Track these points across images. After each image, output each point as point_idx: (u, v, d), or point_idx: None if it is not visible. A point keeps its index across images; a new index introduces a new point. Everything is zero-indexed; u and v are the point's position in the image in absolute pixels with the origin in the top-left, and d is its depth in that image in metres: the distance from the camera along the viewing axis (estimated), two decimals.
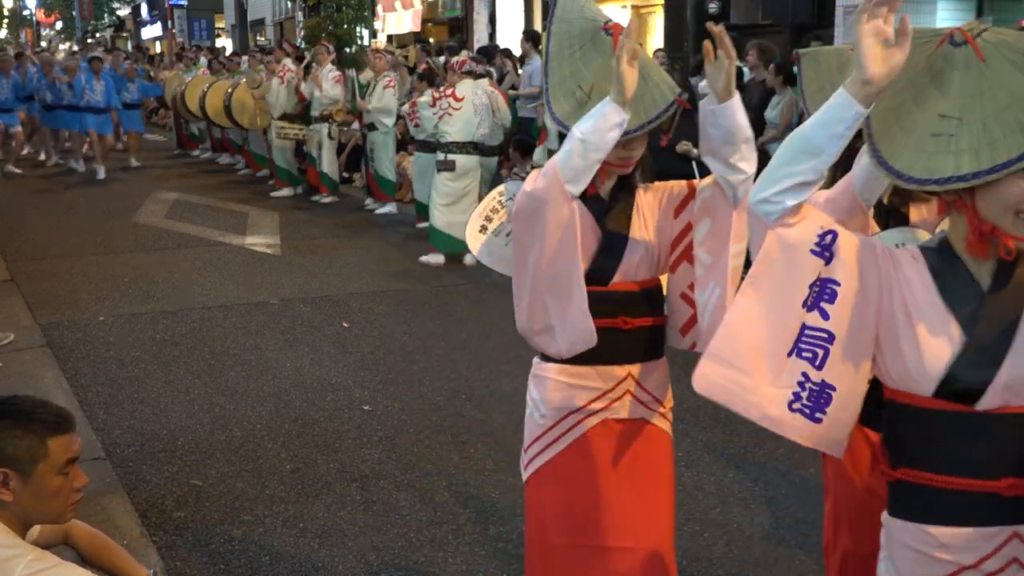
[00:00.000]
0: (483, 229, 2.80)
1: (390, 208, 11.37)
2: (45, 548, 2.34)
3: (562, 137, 2.54)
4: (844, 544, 2.78)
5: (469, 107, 8.67)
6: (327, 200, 12.11)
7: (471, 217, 2.82)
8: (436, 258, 8.80)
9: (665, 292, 2.71)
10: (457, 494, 4.31)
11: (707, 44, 2.32)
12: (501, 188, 2.84)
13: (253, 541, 3.89)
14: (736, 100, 2.33)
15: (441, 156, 8.76)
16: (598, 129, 2.33)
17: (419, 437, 4.93)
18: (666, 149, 3.28)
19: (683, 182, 2.65)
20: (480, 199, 8.96)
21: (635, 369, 2.62)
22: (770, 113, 8.39)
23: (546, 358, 2.64)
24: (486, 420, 5.16)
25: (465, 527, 4.02)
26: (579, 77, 2.53)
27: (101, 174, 13.96)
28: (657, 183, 2.69)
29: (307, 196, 12.41)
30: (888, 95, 1.76)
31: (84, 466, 2.44)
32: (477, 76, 9.28)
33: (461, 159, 8.72)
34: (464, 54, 10.24)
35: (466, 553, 3.81)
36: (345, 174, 12.98)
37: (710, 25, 2.27)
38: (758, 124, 8.43)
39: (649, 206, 2.64)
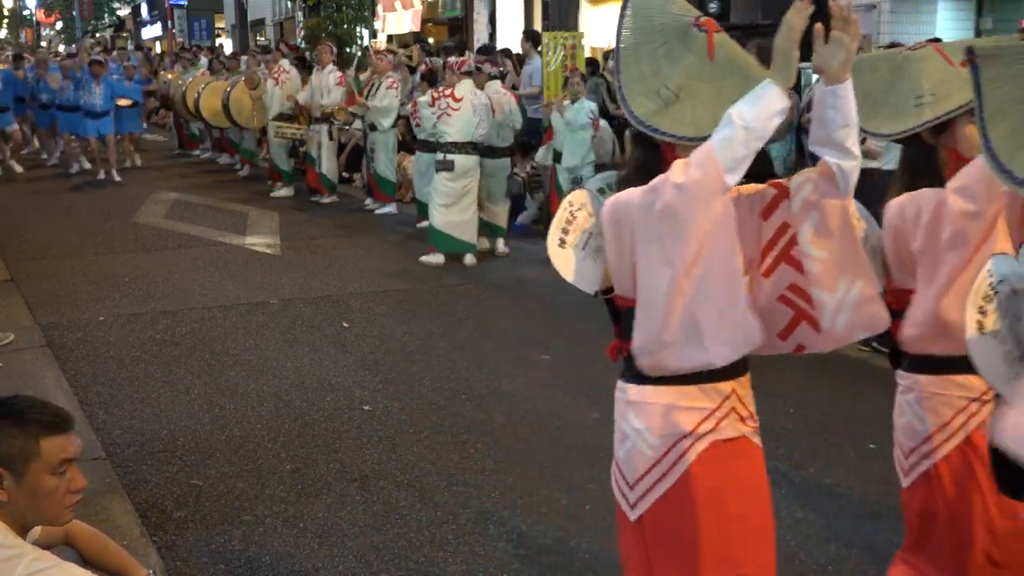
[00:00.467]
0: (562, 243, 2.59)
1: (390, 208, 11.37)
2: (45, 548, 2.33)
3: (640, 137, 2.42)
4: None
5: (468, 107, 8.67)
6: (327, 200, 12.11)
7: (550, 232, 2.64)
8: (436, 258, 8.81)
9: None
10: (457, 494, 4.31)
11: (819, 26, 2.21)
12: (570, 198, 2.64)
13: (253, 541, 3.89)
14: (851, 80, 2.24)
15: (440, 156, 8.77)
16: (761, 116, 2.20)
17: (419, 437, 4.93)
18: None
19: (761, 185, 2.50)
20: (480, 200, 9.08)
21: (737, 383, 2.47)
22: None
23: (640, 380, 2.45)
24: (486, 420, 5.16)
25: (465, 527, 4.02)
26: (663, 76, 2.38)
27: (101, 175, 13.94)
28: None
29: (306, 197, 12.40)
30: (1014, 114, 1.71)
31: (84, 466, 2.43)
32: (490, 77, 9.30)
33: (460, 159, 8.72)
34: (468, 55, 10.26)
35: (466, 553, 3.81)
36: (345, 174, 12.99)
37: (833, 3, 2.19)
38: None
39: None
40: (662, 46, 2.41)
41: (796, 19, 2.22)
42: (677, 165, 2.25)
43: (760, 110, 2.20)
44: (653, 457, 2.43)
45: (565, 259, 2.58)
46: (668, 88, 2.36)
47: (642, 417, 2.45)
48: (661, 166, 2.33)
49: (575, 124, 8.87)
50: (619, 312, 2.49)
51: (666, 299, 2.29)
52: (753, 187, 2.49)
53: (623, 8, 2.47)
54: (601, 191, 2.63)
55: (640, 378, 2.44)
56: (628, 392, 2.49)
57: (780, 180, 2.48)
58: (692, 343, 2.31)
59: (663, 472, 2.43)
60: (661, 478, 2.43)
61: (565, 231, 2.59)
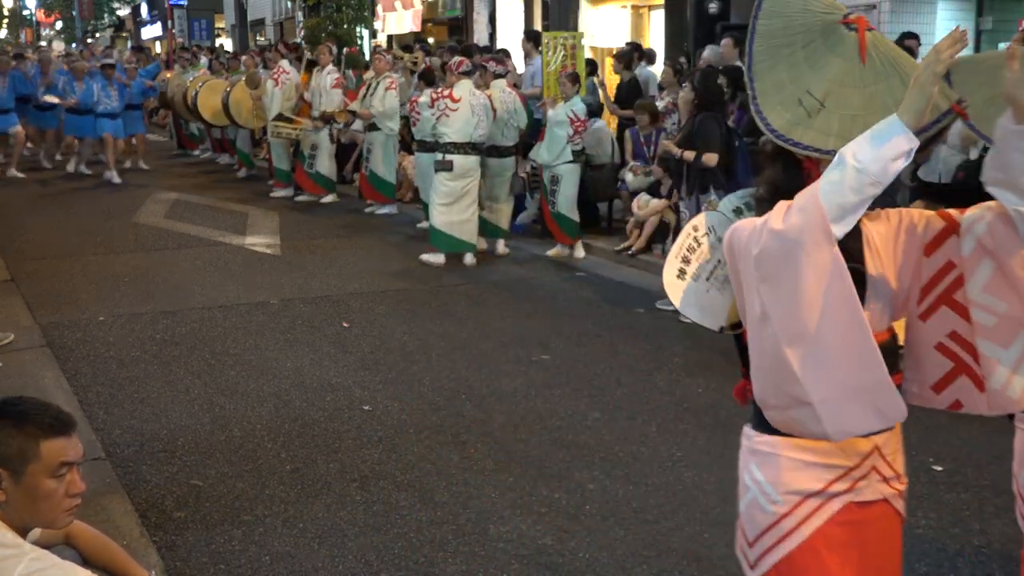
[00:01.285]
0: (681, 274, 2.31)
1: (390, 209, 11.37)
2: (45, 548, 2.33)
3: (779, 152, 2.15)
4: None
5: (466, 108, 8.68)
6: (327, 200, 12.12)
7: (667, 260, 2.35)
8: (436, 258, 8.81)
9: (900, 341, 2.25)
10: (457, 494, 4.31)
11: (1013, 47, 1.90)
12: (695, 222, 2.37)
13: (253, 541, 3.89)
14: None
15: (439, 156, 8.78)
16: (881, 157, 1.88)
17: (419, 437, 4.93)
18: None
19: (927, 212, 2.17)
20: (480, 200, 9.09)
21: (881, 440, 2.17)
22: None
23: (769, 429, 2.18)
24: (486, 420, 5.16)
25: (465, 527, 4.02)
26: (804, 82, 2.13)
27: (116, 179, 13.83)
28: (885, 210, 2.19)
29: (296, 195, 12.39)
30: None
31: (84, 466, 2.42)
32: (496, 76, 9.33)
33: (459, 159, 8.73)
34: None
35: (466, 553, 3.81)
36: (348, 173, 13.02)
37: None
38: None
39: (881, 237, 2.15)
40: (803, 48, 2.15)
41: (947, 48, 1.91)
42: (779, 207, 2.00)
43: (880, 151, 1.89)
44: (775, 514, 2.18)
45: (683, 292, 2.33)
46: (812, 96, 2.11)
47: (765, 469, 2.19)
48: (803, 186, 2.05)
49: (553, 120, 8.92)
50: (745, 348, 2.23)
51: (771, 358, 2.04)
52: (918, 214, 2.17)
53: (756, 8, 2.23)
54: (738, 211, 2.40)
55: (768, 426, 2.18)
56: (753, 440, 2.24)
57: (950, 211, 2.16)
58: (806, 411, 2.03)
59: (785, 532, 2.18)
60: (783, 539, 2.18)
61: (686, 260, 2.32)
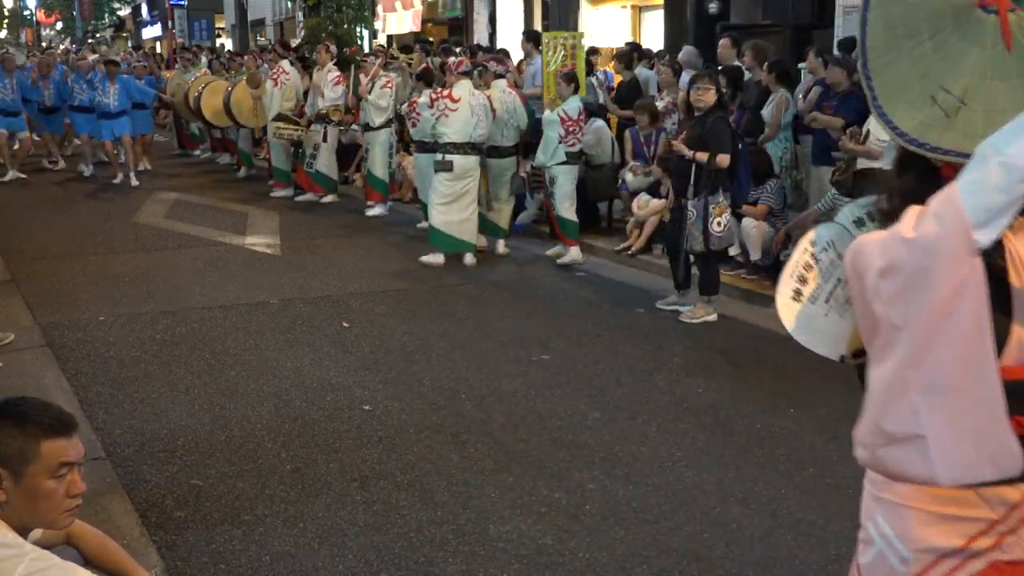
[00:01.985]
0: (797, 295, 2.06)
1: (379, 210, 11.33)
2: (46, 548, 2.33)
3: (910, 159, 1.88)
4: None
5: (466, 108, 8.68)
6: (327, 200, 12.12)
7: (781, 280, 2.09)
8: (436, 258, 8.81)
9: None
10: (457, 494, 4.31)
11: None
12: (811, 236, 2.11)
13: (253, 541, 3.90)
14: None
15: (439, 156, 8.79)
16: None
17: (419, 437, 4.93)
18: None
19: None
20: (480, 199, 9.10)
21: None
22: (767, 111, 8.38)
23: None
24: (486, 420, 5.17)
25: (465, 527, 4.02)
26: (938, 76, 1.85)
27: (117, 178, 13.81)
28: None
29: (296, 195, 12.40)
30: None
31: (84, 466, 2.42)
32: (496, 76, 9.34)
33: (459, 159, 8.73)
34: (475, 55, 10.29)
35: (466, 553, 3.81)
36: (348, 174, 13.01)
37: None
38: (758, 124, 8.43)
39: None
40: (930, 39, 1.88)
41: None
42: (910, 213, 1.72)
43: None
44: (906, 574, 1.91)
45: (797, 315, 2.07)
46: (948, 92, 1.84)
47: (893, 522, 1.91)
48: None
49: (545, 121, 8.95)
50: None
51: (888, 384, 1.76)
52: None
53: None
54: (859, 222, 2.13)
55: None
56: (880, 488, 1.94)
57: None
58: (914, 448, 1.73)
59: None
60: None
61: (802, 279, 2.06)
